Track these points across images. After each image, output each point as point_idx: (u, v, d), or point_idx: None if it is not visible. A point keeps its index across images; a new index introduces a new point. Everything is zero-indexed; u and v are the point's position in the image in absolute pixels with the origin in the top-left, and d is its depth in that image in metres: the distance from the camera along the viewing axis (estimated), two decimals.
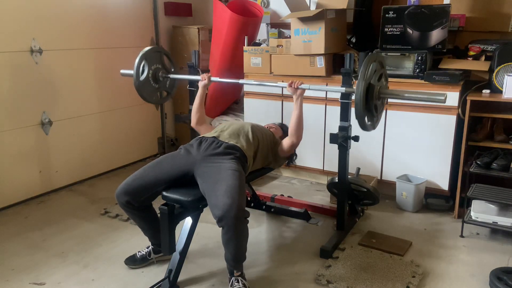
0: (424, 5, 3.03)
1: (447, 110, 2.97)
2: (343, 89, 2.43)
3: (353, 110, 2.53)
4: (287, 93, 3.57)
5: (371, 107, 2.16)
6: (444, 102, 2.08)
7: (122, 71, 3.08)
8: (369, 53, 2.21)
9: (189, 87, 3.14)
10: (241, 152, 2.32)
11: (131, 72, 2.90)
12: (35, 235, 2.83)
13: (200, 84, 2.85)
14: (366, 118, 2.18)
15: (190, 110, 3.16)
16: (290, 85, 2.50)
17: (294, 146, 2.58)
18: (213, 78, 2.86)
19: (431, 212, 3.13)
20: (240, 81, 3.00)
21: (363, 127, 2.21)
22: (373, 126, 2.28)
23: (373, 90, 2.13)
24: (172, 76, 3.04)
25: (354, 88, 2.17)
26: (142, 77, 2.89)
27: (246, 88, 3.80)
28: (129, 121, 4.16)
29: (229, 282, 2.15)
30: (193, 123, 2.83)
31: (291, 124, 2.54)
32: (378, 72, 2.18)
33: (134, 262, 2.45)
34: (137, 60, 2.85)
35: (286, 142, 2.56)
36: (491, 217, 2.67)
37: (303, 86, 2.50)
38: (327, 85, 3.38)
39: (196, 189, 2.15)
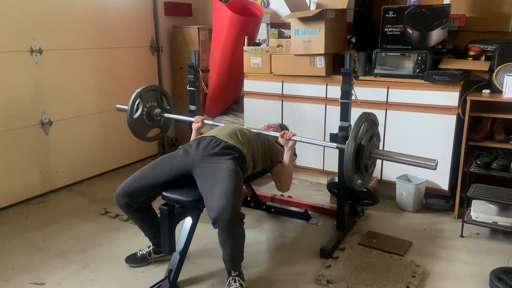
0: (424, 5, 3.03)
1: (447, 110, 2.97)
2: (334, 145, 2.38)
3: (353, 114, 2.56)
4: (287, 93, 3.58)
5: (361, 167, 2.13)
6: (435, 169, 2.02)
7: (117, 106, 3.10)
8: (363, 113, 2.16)
9: (189, 87, 3.14)
10: (240, 153, 2.32)
11: (126, 108, 2.91)
12: (35, 235, 2.83)
13: (194, 127, 2.82)
14: (356, 177, 2.13)
15: (190, 110, 3.16)
16: (282, 136, 2.44)
17: (281, 190, 2.56)
18: (206, 122, 2.81)
19: (431, 212, 3.13)
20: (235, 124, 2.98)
21: (351, 186, 2.15)
22: (364, 185, 2.22)
23: (364, 151, 2.09)
24: (166, 115, 3.03)
25: (344, 145, 2.12)
26: (136, 115, 2.90)
27: (246, 88, 3.80)
28: None
29: (227, 281, 2.15)
30: None
31: (281, 176, 2.49)
32: (370, 131, 2.15)
33: (134, 260, 2.46)
34: (132, 98, 2.86)
35: (276, 180, 2.53)
36: (491, 217, 2.67)
37: (295, 138, 2.42)
38: (327, 85, 3.38)
39: (196, 189, 2.15)
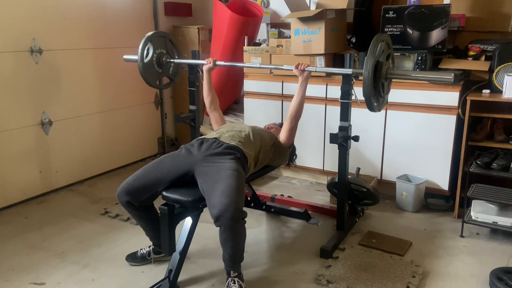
0: (424, 5, 3.03)
1: (447, 110, 2.97)
2: (350, 71, 2.43)
3: (353, 114, 2.56)
4: (287, 93, 3.58)
5: (378, 86, 2.18)
6: (452, 81, 2.09)
7: (125, 56, 3.09)
8: (378, 34, 2.22)
9: (189, 87, 3.14)
10: (242, 153, 2.32)
11: (135, 57, 2.90)
12: (35, 235, 2.83)
13: (205, 68, 2.87)
14: (373, 98, 2.19)
15: (190, 110, 3.16)
16: (296, 67, 2.54)
17: (292, 129, 2.60)
18: (218, 62, 2.87)
19: (431, 212, 3.13)
20: (245, 64, 3.02)
21: (371, 107, 2.21)
22: (379, 108, 2.29)
23: (381, 68, 2.15)
24: (176, 60, 3.04)
25: (361, 70, 2.17)
26: (146, 60, 2.90)
27: (246, 88, 3.80)
28: (129, 121, 4.15)
29: (226, 283, 2.15)
30: (207, 108, 2.87)
31: (292, 106, 2.55)
32: (386, 52, 2.21)
33: (134, 259, 2.47)
34: (142, 43, 2.86)
35: (284, 127, 2.60)
36: (491, 217, 2.67)
37: (309, 68, 2.53)
38: (327, 85, 3.38)
39: (196, 189, 2.15)
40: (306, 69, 2.53)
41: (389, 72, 2.24)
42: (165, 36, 3.03)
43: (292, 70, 2.58)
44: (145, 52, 2.90)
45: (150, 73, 2.95)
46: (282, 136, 2.61)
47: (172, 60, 3.03)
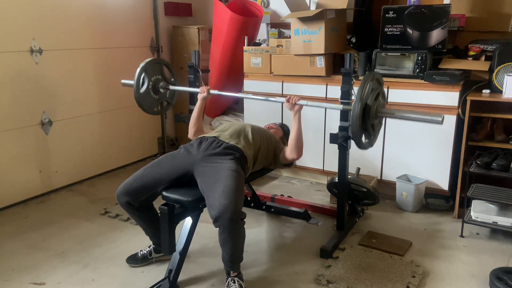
0: (424, 5, 3.03)
1: (447, 110, 2.96)
2: (340, 107, 2.43)
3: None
4: (287, 93, 3.57)
5: (368, 127, 2.16)
6: (441, 123, 2.07)
7: (123, 81, 3.07)
8: (367, 72, 2.20)
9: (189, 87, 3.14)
10: (241, 153, 2.32)
11: (132, 82, 2.90)
12: (35, 235, 2.83)
13: (199, 97, 2.81)
14: (363, 137, 2.17)
15: (190, 110, 3.16)
16: (287, 101, 2.46)
17: (295, 160, 2.58)
18: (212, 91, 2.83)
19: (431, 212, 3.13)
20: (239, 95, 3.00)
21: (360, 145, 2.19)
22: (371, 144, 2.27)
23: (370, 110, 2.12)
24: (172, 87, 3.03)
25: (351, 106, 2.15)
26: (142, 89, 2.89)
27: (246, 88, 3.80)
28: (129, 121, 4.15)
29: (226, 282, 2.15)
30: (190, 134, 2.78)
31: (291, 141, 2.50)
32: (375, 91, 2.16)
33: (135, 261, 2.46)
34: (137, 72, 2.84)
35: (287, 155, 2.53)
36: (491, 217, 2.67)
37: (300, 102, 2.45)
38: (327, 85, 3.38)
39: (196, 189, 2.15)
40: (297, 102, 2.44)
41: (379, 111, 2.19)
42: (160, 62, 3.01)
43: (283, 102, 2.50)
44: (141, 81, 2.89)
45: (147, 101, 2.93)
46: (283, 158, 2.56)
47: (167, 87, 3.02)
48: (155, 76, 2.95)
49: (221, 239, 2.04)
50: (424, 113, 2.15)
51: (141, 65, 2.85)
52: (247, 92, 3.80)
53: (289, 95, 2.50)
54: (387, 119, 3.18)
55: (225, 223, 1.96)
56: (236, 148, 2.32)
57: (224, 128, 2.52)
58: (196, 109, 2.80)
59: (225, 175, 2.10)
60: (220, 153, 2.26)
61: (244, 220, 2.07)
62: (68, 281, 2.32)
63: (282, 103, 2.54)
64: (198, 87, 3.17)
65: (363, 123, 2.13)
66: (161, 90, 2.99)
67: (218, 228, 2.01)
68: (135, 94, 2.85)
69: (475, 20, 3.22)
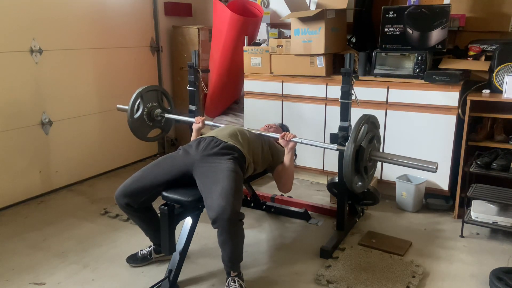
0: (424, 5, 3.03)
1: (447, 110, 2.97)
2: (334, 146, 2.37)
3: (353, 114, 2.56)
4: (287, 93, 3.58)
5: (360, 169, 2.12)
6: (435, 171, 2.02)
7: (118, 106, 3.09)
8: (363, 115, 2.15)
9: (189, 87, 3.14)
10: (240, 153, 2.31)
11: (126, 108, 2.90)
12: (35, 235, 2.83)
13: (194, 127, 2.81)
14: (355, 179, 2.12)
15: (190, 110, 3.16)
16: (282, 138, 2.44)
17: (283, 191, 2.60)
18: (207, 122, 2.80)
19: (431, 212, 3.13)
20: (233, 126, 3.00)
21: (351, 188, 2.14)
22: (364, 187, 2.22)
23: (364, 153, 2.08)
24: (167, 116, 3.03)
25: (344, 147, 2.11)
26: (137, 115, 2.89)
27: (246, 88, 3.80)
28: None
29: (226, 282, 2.15)
30: None
31: (282, 178, 2.51)
32: (370, 133, 2.14)
33: (135, 260, 2.46)
34: (132, 98, 2.85)
35: (278, 181, 2.56)
36: (491, 217, 2.67)
37: (295, 139, 2.42)
38: (327, 85, 3.38)
39: (196, 189, 2.15)
40: (292, 140, 2.43)
41: (372, 154, 2.16)
42: (156, 90, 3.01)
43: (278, 139, 2.48)
44: (135, 107, 2.89)
45: (140, 128, 2.94)
46: (275, 177, 2.59)
47: (163, 115, 3.02)
48: (151, 103, 2.96)
49: (220, 240, 2.04)
50: (417, 160, 2.07)
51: (137, 91, 2.86)
52: (247, 92, 3.80)
53: (284, 132, 2.49)
54: (387, 118, 3.18)
55: (223, 225, 1.96)
56: (235, 148, 2.32)
57: (222, 129, 2.52)
58: (192, 139, 2.79)
59: (223, 176, 2.10)
60: (218, 153, 2.26)
61: (243, 220, 2.07)
62: (68, 281, 2.32)
63: (277, 137, 2.49)
64: (198, 87, 3.18)
65: (355, 165, 2.08)
66: (157, 118, 3.00)
67: (217, 229, 2.01)
68: (128, 120, 2.86)
69: (475, 20, 3.23)
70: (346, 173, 2.08)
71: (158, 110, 3.01)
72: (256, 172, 2.51)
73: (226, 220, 1.94)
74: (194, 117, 2.88)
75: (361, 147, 2.09)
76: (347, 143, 2.07)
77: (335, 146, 2.38)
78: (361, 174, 2.14)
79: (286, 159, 2.49)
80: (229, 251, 2.07)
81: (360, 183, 2.16)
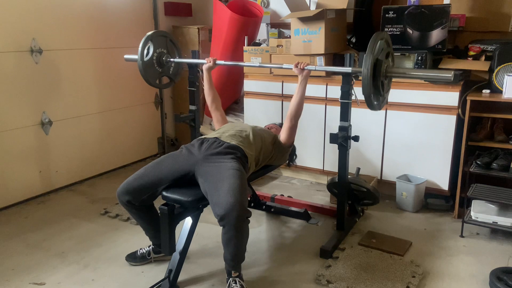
0: (424, 5, 3.03)
1: (447, 110, 2.97)
2: (349, 69, 2.42)
3: (353, 114, 2.56)
4: (287, 93, 3.58)
5: (378, 84, 2.17)
6: (451, 80, 2.08)
7: (126, 56, 3.10)
8: (377, 32, 2.21)
9: (189, 87, 3.14)
10: (242, 152, 2.32)
11: (135, 56, 2.91)
12: (35, 235, 2.83)
13: (205, 67, 2.88)
14: (373, 97, 2.18)
15: (190, 110, 3.16)
16: (296, 66, 2.55)
17: (293, 128, 2.61)
18: (218, 61, 2.87)
19: (431, 212, 3.13)
20: (245, 63, 3.05)
21: (370, 105, 2.21)
22: (379, 107, 2.29)
23: (381, 66, 2.14)
24: (176, 60, 3.05)
25: (361, 69, 2.17)
26: (147, 59, 2.90)
27: (246, 88, 3.81)
28: (129, 121, 4.15)
29: (227, 282, 2.15)
30: (209, 107, 2.89)
31: (291, 105, 2.55)
32: (385, 50, 2.20)
33: (134, 259, 2.47)
34: (142, 41, 2.88)
35: (284, 126, 2.60)
36: (491, 217, 2.67)
37: (309, 67, 2.53)
38: (327, 85, 3.38)
39: (196, 189, 2.15)
40: (305, 67, 2.53)
41: (388, 71, 2.23)
42: (165, 36, 3.03)
43: (292, 69, 2.58)
44: (146, 51, 2.91)
45: (150, 72, 2.96)
46: (283, 135, 2.62)
47: (172, 59, 3.04)
48: (160, 48, 2.97)
49: (225, 238, 2.03)
50: (434, 70, 2.15)
51: (147, 34, 2.90)
52: (248, 92, 3.80)
53: (297, 60, 2.58)
54: (387, 118, 3.18)
55: (232, 222, 1.95)
56: (238, 148, 2.32)
57: (224, 130, 2.52)
58: (205, 81, 2.89)
59: (229, 174, 2.10)
60: (221, 152, 2.26)
61: (249, 219, 2.07)
62: (68, 281, 2.32)
63: (291, 68, 2.58)
64: (198, 87, 3.18)
65: (373, 80, 2.14)
66: (165, 63, 3.01)
67: (222, 227, 2.00)
68: (138, 62, 2.87)
69: (475, 20, 3.22)
70: (365, 88, 2.12)
71: (168, 56, 3.04)
72: (256, 169, 2.52)
73: (235, 217, 1.94)
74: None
75: (378, 60, 2.14)
76: (364, 56, 2.11)
77: (350, 69, 2.40)
78: (378, 89, 2.19)
79: (300, 87, 2.55)
80: (233, 249, 2.07)
81: (376, 102, 2.21)
